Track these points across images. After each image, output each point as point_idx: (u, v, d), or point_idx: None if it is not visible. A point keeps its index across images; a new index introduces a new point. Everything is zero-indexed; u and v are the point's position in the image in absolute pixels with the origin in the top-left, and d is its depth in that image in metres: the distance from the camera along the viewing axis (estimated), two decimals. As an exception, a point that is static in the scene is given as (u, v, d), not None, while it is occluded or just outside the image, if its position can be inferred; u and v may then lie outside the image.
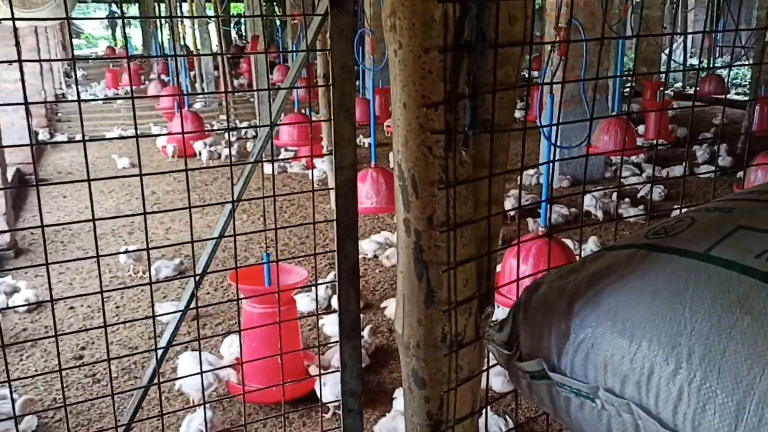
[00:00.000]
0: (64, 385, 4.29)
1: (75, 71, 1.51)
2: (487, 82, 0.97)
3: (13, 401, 1.98)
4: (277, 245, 4.63)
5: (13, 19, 1.48)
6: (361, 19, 11.70)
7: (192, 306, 2.31)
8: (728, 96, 14.68)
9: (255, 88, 10.50)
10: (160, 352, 2.32)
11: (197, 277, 2.30)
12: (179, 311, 2.36)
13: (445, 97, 0.97)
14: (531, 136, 9.98)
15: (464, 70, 0.96)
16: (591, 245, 6.11)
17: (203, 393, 2.83)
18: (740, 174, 8.54)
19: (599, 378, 1.01)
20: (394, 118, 1.04)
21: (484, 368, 1.21)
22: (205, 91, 15.27)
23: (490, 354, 1.18)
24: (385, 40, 1.04)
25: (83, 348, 4.76)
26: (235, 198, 1.97)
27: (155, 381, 2.30)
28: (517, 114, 13.55)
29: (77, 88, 1.55)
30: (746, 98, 13.39)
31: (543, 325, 1.08)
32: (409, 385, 1.11)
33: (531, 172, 8.81)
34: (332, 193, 6.30)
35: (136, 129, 1.69)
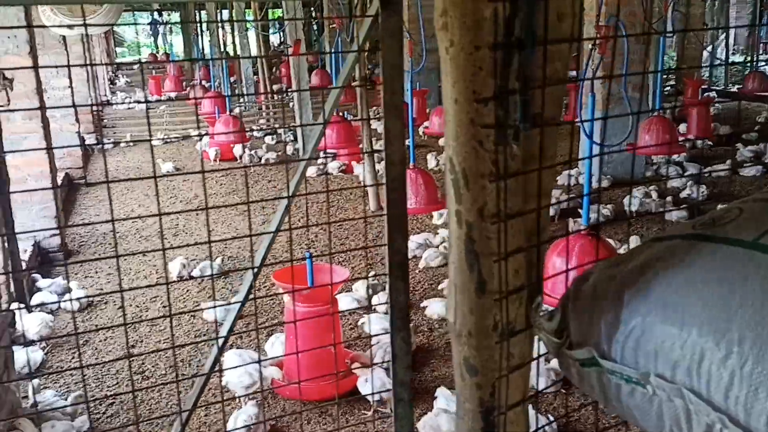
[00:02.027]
0: (114, 383, 4.43)
1: (143, 76, 1.58)
2: (536, 77, 1.01)
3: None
4: (331, 242, 4.68)
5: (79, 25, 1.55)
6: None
7: (250, 297, 2.39)
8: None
9: (295, 92, 10.64)
10: (221, 341, 2.40)
11: (255, 270, 2.37)
12: (238, 302, 2.44)
13: (495, 93, 1.01)
14: (569, 135, 9.86)
15: (514, 66, 1.00)
16: (632, 244, 6.07)
17: (260, 384, 2.90)
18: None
19: (650, 364, 1.03)
20: (445, 114, 1.08)
21: (535, 357, 1.24)
22: (245, 96, 15.49)
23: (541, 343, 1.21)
24: (438, 38, 1.08)
25: (133, 346, 4.88)
26: (290, 194, 2.02)
27: (215, 369, 2.38)
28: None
29: (146, 95, 1.62)
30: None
31: (593, 314, 1.11)
32: (461, 373, 1.15)
33: (571, 172, 8.76)
34: (371, 191, 6.36)
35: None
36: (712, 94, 13.83)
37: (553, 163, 1.11)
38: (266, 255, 2.47)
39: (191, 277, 6.01)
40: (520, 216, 1.08)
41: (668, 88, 15.33)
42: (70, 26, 5.94)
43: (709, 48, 12.08)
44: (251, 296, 2.47)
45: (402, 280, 1.77)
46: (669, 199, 7.50)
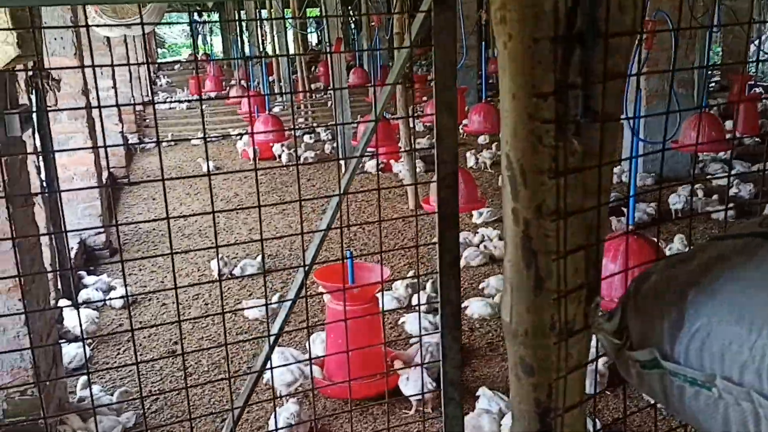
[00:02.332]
0: (158, 379, 4.49)
1: (197, 69, 1.58)
2: (596, 71, 0.98)
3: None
4: (381, 241, 4.64)
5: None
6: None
7: (301, 295, 2.40)
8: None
9: (332, 90, 10.68)
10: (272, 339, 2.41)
11: (306, 268, 2.38)
12: (290, 300, 2.45)
13: (555, 87, 0.98)
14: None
15: (575, 60, 0.97)
16: (677, 244, 5.95)
17: (311, 382, 2.90)
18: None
19: (716, 366, 1.00)
20: (502, 109, 1.05)
21: (593, 358, 1.21)
22: (283, 96, 15.59)
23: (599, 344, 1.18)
24: (495, 32, 1.06)
25: (176, 343, 4.94)
26: (342, 191, 2.01)
27: (266, 367, 2.39)
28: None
29: (200, 92, 1.63)
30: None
31: (654, 315, 1.08)
32: (516, 373, 1.13)
33: (614, 170, 8.63)
34: (410, 190, 6.31)
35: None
36: (759, 89, 13.49)
37: (613, 159, 1.08)
38: (317, 253, 2.47)
39: (232, 276, 6.07)
40: (579, 213, 1.05)
41: (713, 84, 15.02)
42: (116, 26, 6.04)
43: (756, 42, 11.79)
44: (301, 295, 2.48)
45: (453, 278, 1.76)
46: (715, 197, 7.34)
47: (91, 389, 3.80)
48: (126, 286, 2.03)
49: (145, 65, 16.52)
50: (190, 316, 5.42)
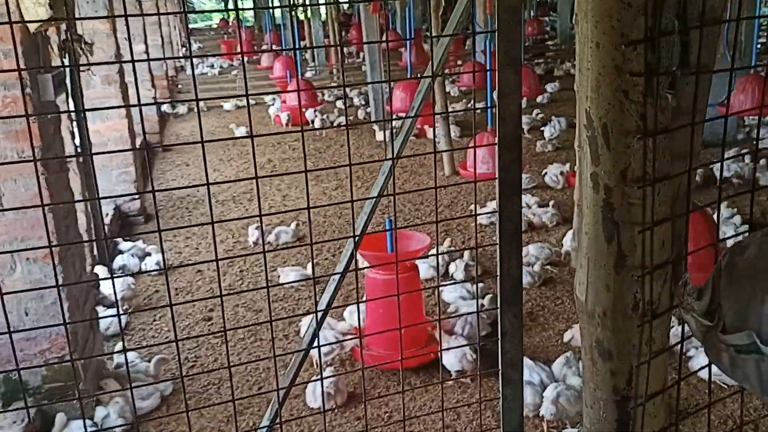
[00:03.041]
0: (195, 345, 4.47)
1: (240, 25, 1.47)
2: (693, 15, 0.85)
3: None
4: (436, 208, 4.50)
5: None
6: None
7: (351, 268, 2.30)
8: None
9: (366, 54, 10.49)
10: (320, 315, 2.33)
11: (356, 238, 2.28)
12: (338, 273, 2.36)
13: (646, 34, 0.85)
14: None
15: (670, 1, 0.84)
16: (724, 213, 5.75)
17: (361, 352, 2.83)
18: None
19: (825, 354, 0.88)
20: (582, 61, 0.93)
21: (678, 341, 1.10)
22: (316, 60, 15.43)
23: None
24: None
25: (211, 310, 4.92)
26: (395, 155, 1.88)
27: (315, 344, 2.31)
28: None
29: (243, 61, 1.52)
30: None
31: (752, 293, 0.96)
32: (592, 357, 1.02)
33: (655, 135, 8.38)
34: (446, 156, 6.15)
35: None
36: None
37: (706, 119, 0.95)
38: (368, 222, 2.36)
39: (276, 248, 6.01)
40: (670, 179, 0.93)
41: (758, 45, 14.47)
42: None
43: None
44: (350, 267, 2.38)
45: (515, 251, 1.63)
46: (762, 162, 7.07)
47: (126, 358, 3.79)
48: (163, 252, 1.96)
49: (178, 30, 16.44)
50: (224, 282, 5.39)
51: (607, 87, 0.89)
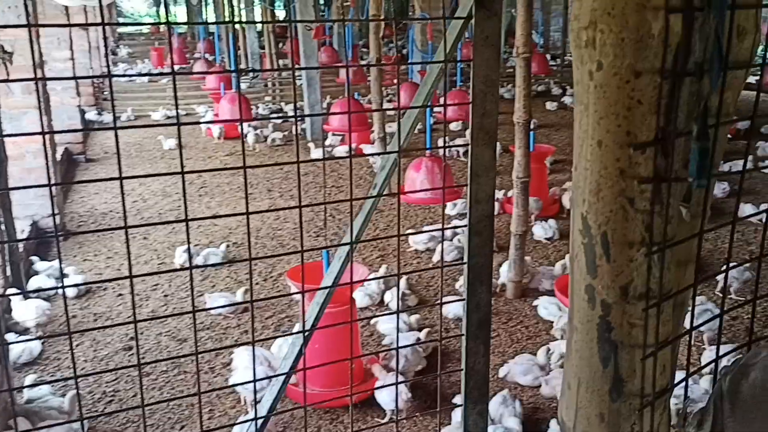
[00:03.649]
0: (113, 378, 4.20)
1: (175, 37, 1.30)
2: (712, 115, 0.75)
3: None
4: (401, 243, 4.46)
5: None
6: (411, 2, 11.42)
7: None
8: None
9: (303, 69, 10.33)
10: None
11: (353, 245, 2.09)
12: (328, 287, 2.17)
13: (657, 135, 0.74)
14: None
15: (685, 99, 0.74)
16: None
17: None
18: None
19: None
20: (580, 158, 0.82)
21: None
22: (240, 74, 15.13)
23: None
24: (574, 57, 0.81)
25: (132, 338, 4.64)
26: (399, 148, 1.69)
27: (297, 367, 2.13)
28: (568, 100, 13.14)
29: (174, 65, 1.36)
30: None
31: (764, 423, 0.86)
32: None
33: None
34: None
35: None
36: None
37: (718, 224, 0.85)
38: (361, 232, 2.16)
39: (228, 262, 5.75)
40: (677, 295, 0.82)
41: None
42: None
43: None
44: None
45: (483, 343, 1.49)
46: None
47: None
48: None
49: (103, 36, 15.86)
50: (147, 308, 5.12)
51: (609, 192, 0.78)
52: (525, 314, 4.94)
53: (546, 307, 4.85)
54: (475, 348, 1.48)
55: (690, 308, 0.89)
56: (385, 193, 2.02)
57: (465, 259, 1.45)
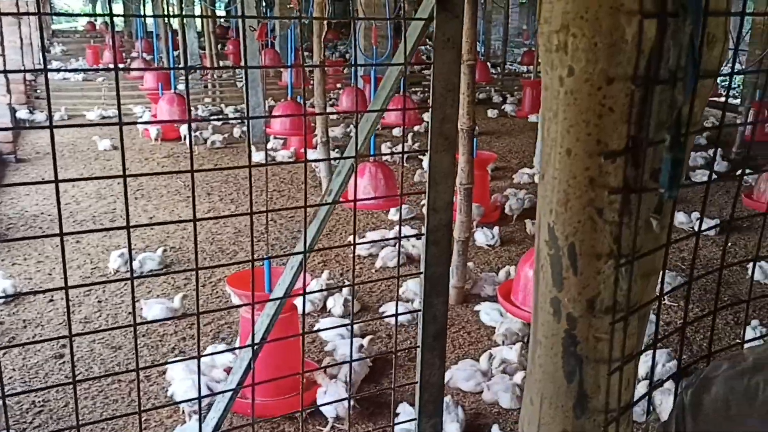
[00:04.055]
0: (44, 386, 4.02)
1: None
2: (685, 124, 0.73)
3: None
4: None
5: None
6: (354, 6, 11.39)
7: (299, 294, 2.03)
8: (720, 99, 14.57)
9: (244, 71, 10.15)
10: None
11: (306, 254, 2.01)
12: (279, 298, 2.08)
13: (628, 144, 0.72)
14: (524, 133, 9.76)
15: (656, 107, 0.72)
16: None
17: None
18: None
19: None
20: (547, 166, 0.79)
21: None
22: (189, 72, 14.84)
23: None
24: (543, 62, 0.78)
25: (63, 346, 4.46)
26: (356, 153, 1.63)
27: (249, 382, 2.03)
28: (509, 108, 13.35)
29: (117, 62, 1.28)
30: (738, 102, 13.26)
31: (728, 439, 0.85)
32: None
33: (527, 170, 8.62)
34: (325, 182, 5.97)
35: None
36: None
37: (676, 239, 0.84)
38: (315, 240, 2.07)
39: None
40: (644, 308, 0.81)
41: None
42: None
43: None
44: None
45: (439, 356, 1.45)
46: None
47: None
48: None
49: (38, 30, 15.30)
50: (80, 314, 4.93)
51: (578, 202, 0.76)
52: (467, 320, 4.95)
53: (488, 312, 4.87)
54: (431, 360, 1.45)
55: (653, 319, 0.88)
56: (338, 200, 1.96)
57: (422, 269, 1.41)
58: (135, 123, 1.14)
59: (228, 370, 3.95)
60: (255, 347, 2.10)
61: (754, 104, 9.47)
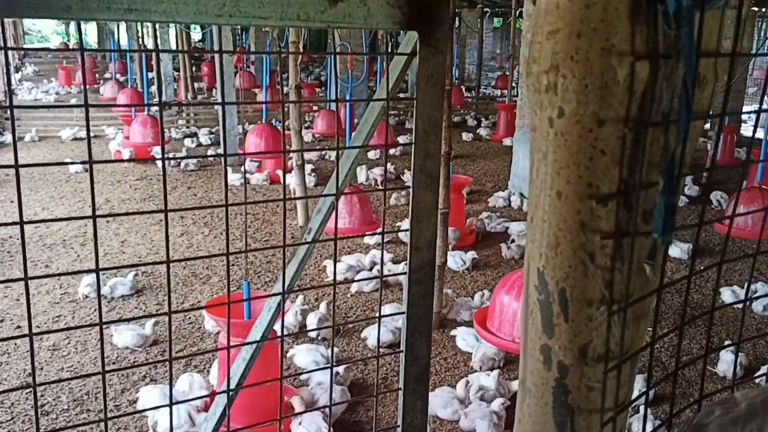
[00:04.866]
0: (9, 418, 3.90)
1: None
2: (678, 167, 0.71)
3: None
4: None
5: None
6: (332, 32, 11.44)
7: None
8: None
9: (219, 93, 10.10)
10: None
11: (284, 296, 1.94)
12: (256, 341, 2.01)
13: (620, 188, 0.70)
14: (498, 156, 9.79)
15: (649, 150, 0.70)
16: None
17: None
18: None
19: None
20: (536, 209, 0.76)
21: None
22: (163, 93, 14.75)
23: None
24: (532, 102, 0.76)
25: (30, 374, 4.33)
26: (337, 191, 1.58)
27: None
28: (484, 132, 13.43)
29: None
30: (707, 126, 13.46)
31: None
32: None
33: (502, 194, 8.66)
34: (300, 204, 5.91)
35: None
36: None
37: (676, 279, 0.82)
38: (297, 277, 2.01)
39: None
40: (637, 354, 0.78)
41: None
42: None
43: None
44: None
45: (421, 398, 1.41)
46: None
47: None
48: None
49: (4, 51, 15.14)
50: (48, 341, 4.81)
51: (569, 246, 0.73)
52: (443, 345, 4.92)
53: (464, 338, 4.84)
54: (413, 403, 1.40)
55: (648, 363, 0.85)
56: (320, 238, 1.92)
57: (404, 309, 1.37)
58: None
59: (206, 406, 3.87)
60: (231, 393, 2.03)
61: (724, 128, 9.63)
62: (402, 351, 1.38)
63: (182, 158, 2.04)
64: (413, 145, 1.21)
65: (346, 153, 1.79)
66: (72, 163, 1.25)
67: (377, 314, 5.32)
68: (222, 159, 10.07)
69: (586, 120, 0.70)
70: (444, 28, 1.11)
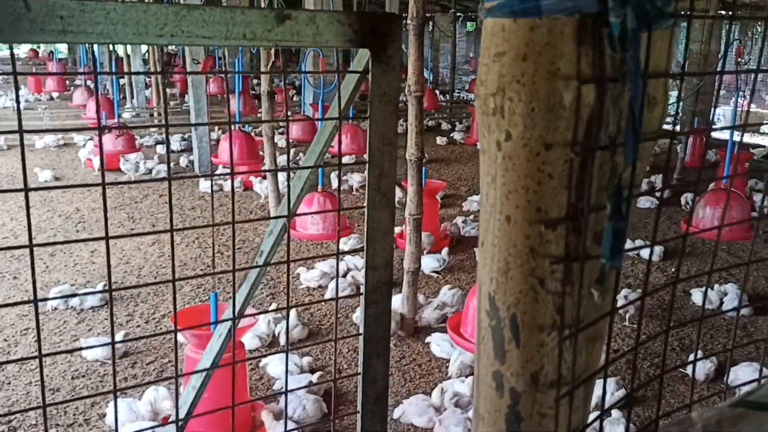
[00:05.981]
0: (-26, 436, 3.81)
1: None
2: (626, 191, 0.70)
3: None
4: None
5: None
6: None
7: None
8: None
9: (190, 99, 10.00)
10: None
11: (235, 321, 1.90)
12: (206, 369, 1.97)
13: (569, 212, 0.69)
14: (472, 160, 9.81)
15: (596, 173, 0.69)
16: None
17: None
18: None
19: None
20: (486, 234, 0.75)
21: None
22: (135, 100, 14.62)
23: None
24: (481, 124, 0.75)
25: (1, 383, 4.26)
26: (288, 213, 1.55)
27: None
28: (458, 136, 13.47)
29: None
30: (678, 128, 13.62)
31: None
32: None
33: (476, 198, 8.67)
34: (273, 211, 5.89)
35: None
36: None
37: (624, 304, 0.81)
38: (252, 292, 1.98)
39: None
40: (591, 379, 0.77)
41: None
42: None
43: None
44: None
45: (380, 420, 1.40)
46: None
47: None
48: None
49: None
50: (17, 353, 4.72)
51: (519, 271, 0.72)
52: (418, 351, 4.91)
53: (439, 344, 4.84)
54: (372, 426, 1.39)
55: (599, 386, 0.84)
56: (274, 261, 1.88)
57: (360, 330, 1.35)
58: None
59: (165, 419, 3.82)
60: (180, 423, 1.99)
61: (693, 131, 9.75)
62: (359, 374, 1.36)
63: (126, 183, 2.01)
64: (367, 164, 1.20)
65: (297, 174, 1.77)
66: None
67: (354, 318, 5.31)
68: (194, 165, 9.99)
69: (533, 144, 0.69)
70: (396, 45, 1.10)
